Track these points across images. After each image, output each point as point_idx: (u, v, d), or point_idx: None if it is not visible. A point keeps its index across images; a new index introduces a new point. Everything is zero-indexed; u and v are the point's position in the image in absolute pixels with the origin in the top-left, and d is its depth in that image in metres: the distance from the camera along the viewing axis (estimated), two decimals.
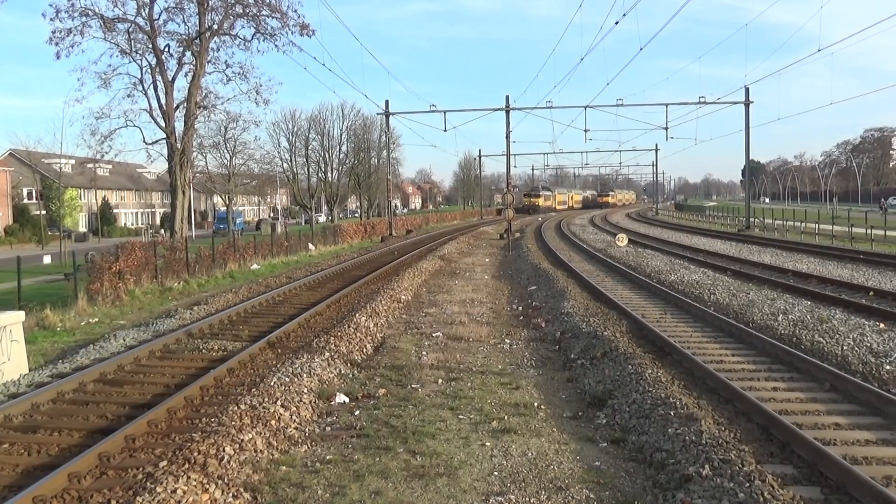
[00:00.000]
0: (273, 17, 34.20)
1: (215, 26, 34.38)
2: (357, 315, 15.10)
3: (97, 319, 16.68)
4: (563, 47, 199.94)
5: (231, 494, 6.38)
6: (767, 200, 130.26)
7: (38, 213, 62.11)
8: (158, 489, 6.06)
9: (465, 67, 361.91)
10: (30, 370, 11.40)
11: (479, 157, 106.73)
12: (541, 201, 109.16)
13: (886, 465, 6.71)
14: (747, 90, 47.43)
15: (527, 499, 6.39)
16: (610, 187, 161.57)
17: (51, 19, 31.88)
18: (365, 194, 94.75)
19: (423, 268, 25.81)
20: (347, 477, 6.91)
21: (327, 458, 7.43)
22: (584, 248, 33.68)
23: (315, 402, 9.35)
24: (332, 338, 12.72)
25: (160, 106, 33.87)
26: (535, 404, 9.29)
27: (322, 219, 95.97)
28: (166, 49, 34.19)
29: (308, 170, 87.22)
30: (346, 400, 9.57)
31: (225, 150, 61.56)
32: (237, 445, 7.31)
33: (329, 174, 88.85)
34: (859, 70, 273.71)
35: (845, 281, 19.52)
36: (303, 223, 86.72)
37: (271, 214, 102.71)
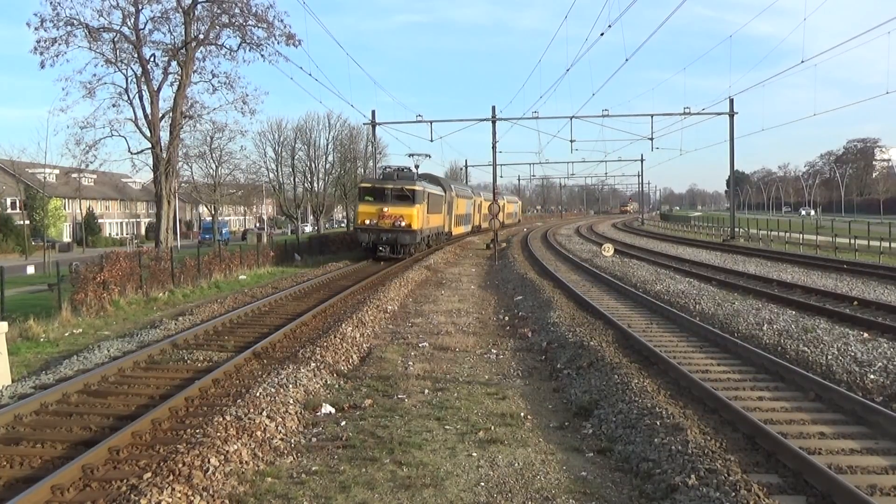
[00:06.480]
0: (259, 28, 34.21)
1: (201, 36, 34.36)
2: (343, 325, 15.05)
3: (81, 330, 16.53)
4: (548, 58, 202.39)
5: None
6: (793, 211, 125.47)
7: (21, 223, 61.54)
8: (143, 501, 6.01)
9: (452, 78, 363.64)
10: (13, 381, 11.27)
11: (466, 167, 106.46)
12: (413, 212, 34.63)
13: (871, 474, 6.76)
14: (731, 101, 47.92)
15: None
16: (625, 200, 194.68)
17: (35, 28, 31.81)
18: (351, 204, 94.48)
19: (410, 278, 25.77)
20: (333, 488, 6.87)
21: (313, 469, 7.39)
22: (571, 259, 33.76)
23: (301, 413, 9.31)
24: (318, 348, 12.66)
25: (145, 116, 33.77)
26: (522, 414, 9.30)
27: (308, 229, 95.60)
28: (152, 59, 34.14)
29: (294, 180, 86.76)
30: (332, 411, 9.53)
31: (211, 160, 61.30)
32: (222, 457, 7.26)
33: (315, 184, 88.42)
34: (842, 82, 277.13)
35: (829, 290, 19.68)
36: (289, 233, 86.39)
37: (257, 224, 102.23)
